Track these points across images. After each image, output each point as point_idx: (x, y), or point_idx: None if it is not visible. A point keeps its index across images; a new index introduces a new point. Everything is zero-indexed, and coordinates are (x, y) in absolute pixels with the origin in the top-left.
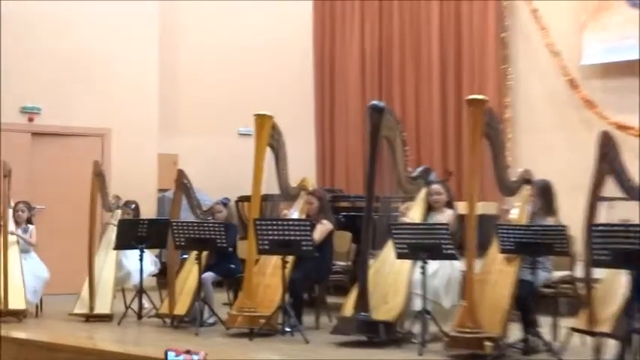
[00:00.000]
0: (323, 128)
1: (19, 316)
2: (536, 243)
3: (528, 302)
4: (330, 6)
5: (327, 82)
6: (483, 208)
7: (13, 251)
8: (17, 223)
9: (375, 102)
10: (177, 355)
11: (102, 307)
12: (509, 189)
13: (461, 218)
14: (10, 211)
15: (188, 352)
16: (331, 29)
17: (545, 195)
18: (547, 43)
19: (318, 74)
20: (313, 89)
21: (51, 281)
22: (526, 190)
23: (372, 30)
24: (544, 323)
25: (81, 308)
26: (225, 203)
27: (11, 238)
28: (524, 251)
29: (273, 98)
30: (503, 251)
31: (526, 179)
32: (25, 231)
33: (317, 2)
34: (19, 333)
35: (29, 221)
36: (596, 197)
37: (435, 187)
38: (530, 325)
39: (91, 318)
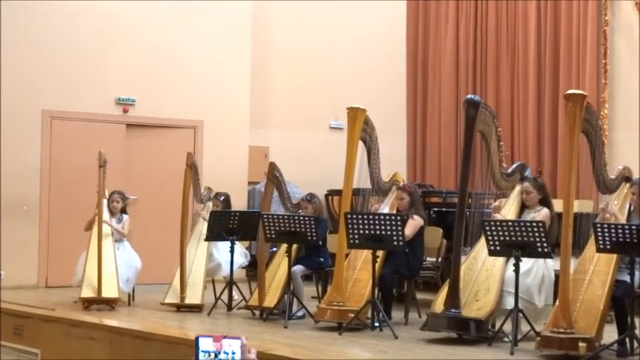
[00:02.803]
0: (415, 124)
1: (111, 304)
2: (635, 242)
3: (624, 303)
4: (424, 6)
5: (420, 79)
6: (580, 206)
7: (108, 241)
8: (112, 213)
9: (470, 96)
10: (215, 341)
11: (192, 297)
12: (607, 187)
13: (557, 216)
14: (105, 201)
15: (226, 337)
16: (424, 28)
17: None
18: None
19: (411, 71)
20: (405, 86)
21: (143, 271)
22: (625, 189)
23: (466, 29)
24: None
25: (172, 298)
26: (309, 200)
27: (106, 228)
28: (622, 251)
29: (365, 93)
30: (599, 250)
31: (626, 177)
32: (120, 220)
33: (411, 2)
34: (111, 321)
35: (124, 211)
36: None
37: (525, 185)
38: (626, 327)
39: (181, 308)
